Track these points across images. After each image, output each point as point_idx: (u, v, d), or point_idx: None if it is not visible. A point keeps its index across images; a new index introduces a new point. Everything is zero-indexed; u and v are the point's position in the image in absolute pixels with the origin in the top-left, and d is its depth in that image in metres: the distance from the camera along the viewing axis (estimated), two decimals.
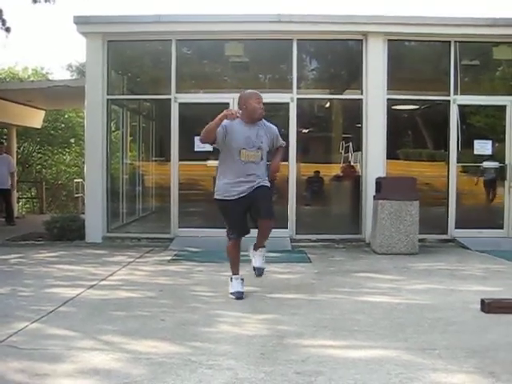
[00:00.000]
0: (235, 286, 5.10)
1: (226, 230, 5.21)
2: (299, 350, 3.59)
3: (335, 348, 3.65)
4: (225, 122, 4.94)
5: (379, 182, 8.16)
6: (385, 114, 8.80)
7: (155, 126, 11.78)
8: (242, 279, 5.15)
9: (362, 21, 8.69)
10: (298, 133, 8.96)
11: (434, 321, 4.30)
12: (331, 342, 3.77)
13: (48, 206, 17.08)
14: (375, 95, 8.76)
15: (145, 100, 10.85)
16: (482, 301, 4.48)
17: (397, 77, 9.01)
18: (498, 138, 9.30)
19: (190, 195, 9.69)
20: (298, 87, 8.96)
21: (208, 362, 3.30)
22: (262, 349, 3.58)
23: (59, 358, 3.41)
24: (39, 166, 20.74)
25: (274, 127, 5.25)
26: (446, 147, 9.05)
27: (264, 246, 5.28)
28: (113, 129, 10.12)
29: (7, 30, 10.90)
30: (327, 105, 10.34)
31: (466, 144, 9.09)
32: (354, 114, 9.29)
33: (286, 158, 7.61)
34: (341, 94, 9.93)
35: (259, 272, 5.31)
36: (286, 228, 8.83)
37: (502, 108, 9.04)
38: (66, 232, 8.90)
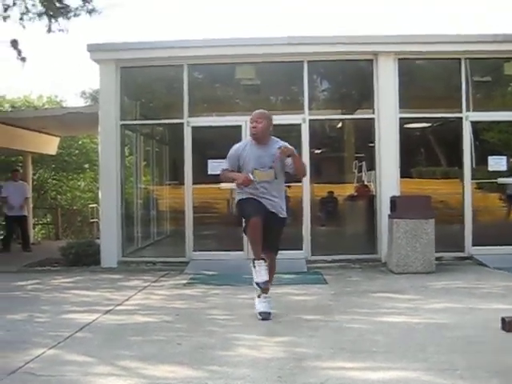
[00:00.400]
0: (260, 275, 4.90)
1: (243, 215, 5.19)
2: (317, 372, 3.54)
3: (354, 370, 3.60)
4: (238, 144, 5.12)
5: (394, 201, 8.11)
6: (397, 133, 8.78)
7: (168, 150, 11.86)
8: (266, 262, 4.97)
9: (372, 41, 8.73)
10: (311, 153, 8.96)
11: (454, 340, 4.23)
12: (350, 364, 3.73)
13: (63, 231, 17.16)
14: (387, 114, 8.76)
15: (158, 125, 10.93)
16: (503, 319, 4.40)
17: (408, 95, 9.00)
18: None
19: (204, 218, 9.70)
20: (310, 108, 8.98)
21: None
22: (279, 372, 3.55)
23: None
24: (54, 192, 20.89)
25: (286, 144, 5.16)
26: (460, 164, 8.99)
27: (267, 293, 5.16)
28: (126, 154, 10.20)
29: (23, 59, 11.08)
30: (339, 125, 10.36)
31: (480, 160, 9.03)
32: (366, 133, 9.29)
33: (299, 179, 7.58)
34: (352, 113, 9.95)
35: (265, 316, 5.04)
36: (301, 249, 8.80)
37: None
38: (82, 257, 8.92)
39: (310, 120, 8.95)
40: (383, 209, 8.57)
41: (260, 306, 5.11)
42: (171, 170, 11.49)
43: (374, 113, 8.91)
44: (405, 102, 8.87)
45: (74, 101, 32.52)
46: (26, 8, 10.72)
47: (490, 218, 9.74)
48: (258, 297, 5.14)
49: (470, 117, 8.88)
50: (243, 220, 5.31)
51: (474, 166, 8.92)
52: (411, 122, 9.47)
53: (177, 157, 9.58)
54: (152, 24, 41.11)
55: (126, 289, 6.96)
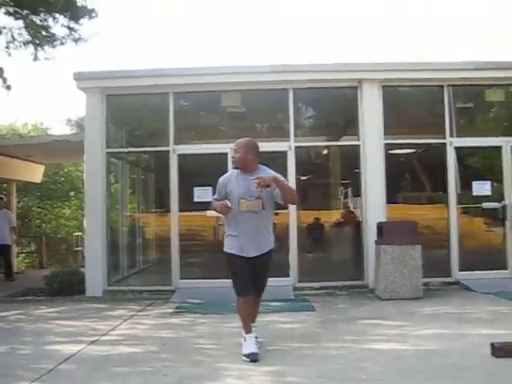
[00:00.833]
0: (249, 346, 4.75)
1: (233, 286, 5.00)
2: None
3: None
4: (226, 174, 5.18)
5: (380, 227, 8.13)
6: (382, 159, 8.85)
7: (154, 178, 11.83)
8: (256, 337, 4.89)
9: (357, 68, 8.85)
10: (297, 180, 8.98)
11: (443, 367, 4.21)
12: None
13: (48, 260, 16.95)
14: (372, 140, 8.84)
15: (144, 152, 10.91)
16: (492, 345, 4.39)
17: (393, 122, 9.10)
18: (495, 178, 9.33)
19: (190, 246, 9.63)
20: (296, 135, 9.04)
21: None
22: None
23: None
24: (39, 221, 20.71)
25: (269, 172, 5.04)
26: (445, 189, 9.06)
27: (254, 322, 5.07)
28: (112, 181, 10.16)
29: (8, 87, 11.06)
30: (325, 151, 10.41)
31: (465, 185, 9.12)
32: (351, 159, 9.35)
33: (285, 206, 7.57)
34: (338, 140, 10.01)
35: (254, 357, 4.69)
36: (288, 276, 8.75)
37: (498, 149, 9.11)
38: (66, 286, 8.80)
39: (296, 147, 9.00)
40: (370, 235, 8.58)
41: (247, 347, 4.80)
42: (157, 197, 11.45)
43: (359, 139, 8.99)
44: (389, 128, 8.96)
45: (59, 128, 32.38)
46: (13, 37, 10.74)
47: (476, 242, 9.77)
48: (244, 340, 4.88)
49: (453, 142, 8.99)
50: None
51: (458, 191, 8.99)
52: (396, 148, 9.54)
53: (163, 184, 9.55)
54: (137, 51, 41.38)
55: (112, 318, 6.86)
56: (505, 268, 8.85)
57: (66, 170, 19.64)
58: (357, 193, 9.33)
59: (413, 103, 9.85)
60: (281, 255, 8.56)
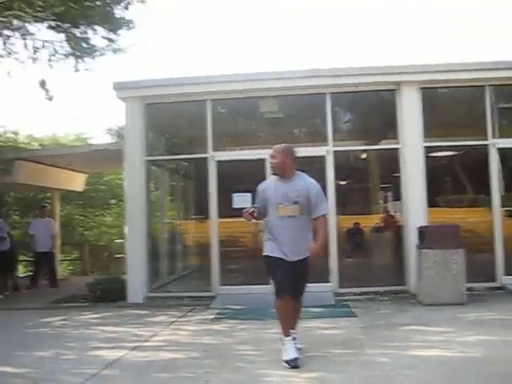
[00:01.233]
0: (290, 351, 4.70)
1: (273, 289, 5.01)
2: None
3: None
4: (266, 181, 5.37)
5: (422, 231, 8.00)
6: (423, 162, 8.71)
7: (193, 185, 11.92)
8: (295, 339, 4.87)
9: (395, 71, 8.74)
10: (336, 185, 8.92)
11: (491, 376, 4.10)
12: None
13: (90, 267, 17.25)
14: (412, 144, 8.71)
15: (182, 159, 11.02)
16: None
17: (433, 124, 8.94)
18: None
19: (230, 252, 9.66)
20: (334, 139, 8.97)
21: None
22: None
23: None
24: (81, 228, 21.10)
25: (313, 184, 5.07)
26: (488, 192, 8.85)
27: (295, 329, 5.02)
28: (152, 189, 10.27)
29: (50, 99, 11.36)
30: (364, 155, 10.31)
31: (509, 187, 8.89)
32: (391, 163, 9.22)
33: None
34: (377, 144, 9.90)
35: (295, 363, 4.66)
36: (329, 282, 8.68)
37: None
38: (109, 293, 8.93)
39: (335, 151, 8.94)
40: (411, 239, 8.44)
41: (287, 351, 4.76)
42: (196, 204, 11.53)
43: (398, 143, 8.87)
44: (429, 130, 8.81)
45: (100, 138, 33.14)
46: (55, 49, 11.02)
47: None
48: (283, 345, 4.82)
49: (496, 144, 8.77)
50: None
51: (502, 193, 8.77)
52: (436, 151, 9.38)
53: (202, 191, 9.60)
54: (175, 60, 41.93)
55: (153, 324, 6.93)
56: None
57: (106, 179, 19.97)
58: (397, 197, 9.20)
59: (453, 104, 9.66)
60: (321, 260, 8.49)
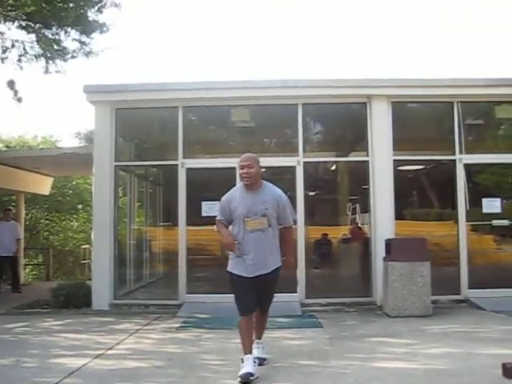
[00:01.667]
0: (246, 366, 4.55)
1: (236, 304, 4.87)
2: None
3: None
4: (228, 193, 4.98)
5: (389, 244, 8.07)
6: (391, 175, 8.82)
7: (162, 192, 11.83)
8: (256, 358, 4.71)
9: (366, 84, 8.85)
10: (305, 195, 8.96)
11: None
12: None
13: (55, 272, 16.95)
14: (381, 156, 8.81)
15: (152, 166, 10.93)
16: (504, 365, 4.29)
17: (402, 138, 9.07)
18: (505, 195, 9.27)
19: (197, 260, 9.60)
20: (304, 150, 9.00)
21: None
22: None
23: None
24: (47, 233, 20.75)
25: (281, 195, 4.96)
26: (454, 206, 9.00)
27: (261, 339, 5.10)
28: (120, 194, 10.16)
29: (19, 100, 11.19)
30: (333, 167, 10.38)
31: (474, 202, 9.05)
32: (360, 175, 9.30)
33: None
34: (347, 156, 10.00)
35: (260, 361, 4.83)
36: (296, 292, 8.69)
37: (508, 166, 9.06)
38: (73, 299, 8.77)
39: (305, 162, 8.97)
40: (378, 251, 8.52)
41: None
42: (165, 211, 11.43)
43: (367, 155, 8.95)
44: (398, 144, 8.94)
45: (68, 141, 32.60)
46: (25, 50, 10.86)
47: (486, 260, 9.68)
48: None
49: (463, 159, 8.94)
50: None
51: (468, 207, 8.92)
52: (405, 164, 9.51)
53: (171, 198, 9.54)
54: (148, 65, 41.70)
55: (118, 332, 6.83)
56: None
57: (74, 183, 19.69)
58: (365, 209, 9.29)
59: (422, 119, 9.82)
60: (288, 271, 8.49)
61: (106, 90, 9.09)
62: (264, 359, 4.99)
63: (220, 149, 10.11)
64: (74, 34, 10.77)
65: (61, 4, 9.76)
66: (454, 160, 8.97)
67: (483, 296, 8.44)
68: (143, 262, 10.92)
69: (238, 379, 4.47)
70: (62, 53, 10.89)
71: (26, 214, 17.06)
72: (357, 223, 10.13)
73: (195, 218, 9.02)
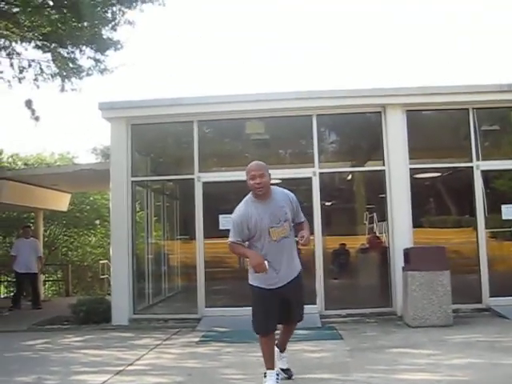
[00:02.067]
0: (268, 382, 4.54)
1: (253, 321, 4.70)
2: None
3: None
4: (241, 210, 4.68)
5: (407, 253, 8.00)
6: (408, 184, 8.76)
7: (179, 205, 11.88)
8: (278, 374, 4.64)
9: (380, 93, 8.82)
10: (322, 206, 8.93)
11: None
12: None
13: (74, 287, 17.06)
14: (397, 165, 8.76)
15: (168, 180, 10.99)
16: None
17: (418, 146, 9.02)
18: None
19: (216, 273, 9.60)
20: (320, 161, 8.98)
21: None
22: None
23: None
24: (65, 249, 20.89)
25: (290, 194, 4.80)
26: (472, 213, 8.91)
27: (284, 353, 5.05)
28: (137, 209, 10.22)
29: (36, 119, 11.35)
30: (349, 177, 10.36)
31: (493, 209, 8.95)
32: (376, 184, 9.26)
33: (311, 232, 7.52)
34: (362, 165, 9.96)
35: (288, 374, 4.92)
36: (315, 304, 8.62)
37: None
38: (92, 315, 8.80)
39: (321, 173, 8.95)
40: (396, 260, 8.45)
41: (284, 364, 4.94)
42: (182, 224, 11.47)
43: (383, 164, 8.91)
44: (414, 152, 8.88)
45: (85, 157, 32.96)
46: (41, 69, 11.02)
47: (507, 267, 9.56)
48: (281, 352, 4.93)
49: (480, 166, 8.86)
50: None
51: (486, 214, 8.83)
52: (421, 173, 9.45)
53: (188, 212, 9.57)
54: (161, 81, 42.05)
55: (138, 347, 6.84)
56: None
57: (91, 199, 19.84)
58: (382, 218, 9.23)
59: (438, 127, 9.77)
60: (307, 282, 8.43)
61: (121, 107, 9.16)
62: (290, 370, 4.94)
63: (235, 162, 10.12)
64: (88, 52, 10.91)
65: (76, 23, 9.89)
66: (471, 167, 8.89)
67: (506, 304, 8.31)
68: (161, 276, 10.95)
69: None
70: (78, 71, 11.03)
71: (45, 231, 17.21)
72: (374, 232, 10.09)
73: (212, 230, 9.02)
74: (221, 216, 8.78)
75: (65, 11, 9.81)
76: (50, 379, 5.32)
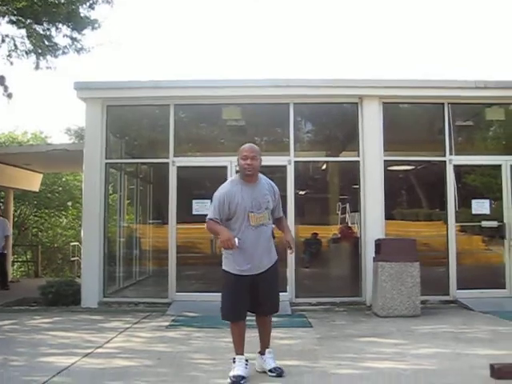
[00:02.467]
0: (237, 368, 4.45)
1: (222, 308, 4.65)
2: None
3: None
4: (226, 188, 4.61)
5: (378, 244, 8.09)
6: (382, 175, 8.84)
7: (153, 189, 11.80)
8: (247, 360, 4.55)
9: (358, 85, 8.86)
10: (296, 195, 8.96)
11: None
12: None
13: (43, 269, 16.88)
14: (372, 157, 8.83)
15: (143, 163, 10.90)
16: (492, 366, 4.33)
17: (393, 138, 9.11)
18: (494, 196, 9.32)
19: (187, 258, 9.59)
20: (295, 150, 9.01)
21: None
22: None
23: None
24: (35, 229, 20.64)
25: (274, 186, 4.79)
26: (443, 207, 9.05)
27: (269, 347, 4.75)
28: (110, 192, 10.12)
29: (9, 96, 11.11)
30: (324, 167, 10.41)
31: (463, 203, 9.10)
32: (350, 175, 9.34)
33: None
34: (337, 156, 10.02)
35: (279, 371, 4.56)
36: (286, 291, 8.66)
37: (498, 167, 9.11)
38: (62, 297, 8.72)
39: (296, 162, 8.98)
40: (368, 251, 8.53)
41: (268, 364, 4.62)
42: (155, 208, 11.41)
43: (358, 155, 8.97)
44: (389, 144, 8.96)
45: (58, 137, 32.50)
46: (15, 45, 10.78)
47: (475, 261, 9.75)
48: (262, 354, 4.67)
49: (453, 160, 8.98)
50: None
51: (457, 208, 8.97)
52: (395, 165, 9.55)
53: (161, 196, 9.53)
54: (140, 63, 41.57)
55: (107, 330, 6.79)
56: (503, 287, 8.80)
57: (63, 179, 19.60)
58: (355, 208, 9.31)
59: (413, 120, 9.87)
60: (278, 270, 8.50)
61: (97, 87, 9.03)
62: (281, 369, 4.62)
63: (211, 147, 10.11)
64: (65, 30, 10.74)
65: (52, 0, 9.69)
66: (444, 161, 9.01)
67: (472, 297, 8.50)
68: (133, 260, 10.88)
69: (228, 380, 4.41)
70: (53, 49, 10.83)
71: (15, 211, 16.96)
72: (347, 223, 10.17)
73: (186, 216, 9.00)
74: (194, 201, 8.76)
75: None
76: (16, 360, 5.26)
